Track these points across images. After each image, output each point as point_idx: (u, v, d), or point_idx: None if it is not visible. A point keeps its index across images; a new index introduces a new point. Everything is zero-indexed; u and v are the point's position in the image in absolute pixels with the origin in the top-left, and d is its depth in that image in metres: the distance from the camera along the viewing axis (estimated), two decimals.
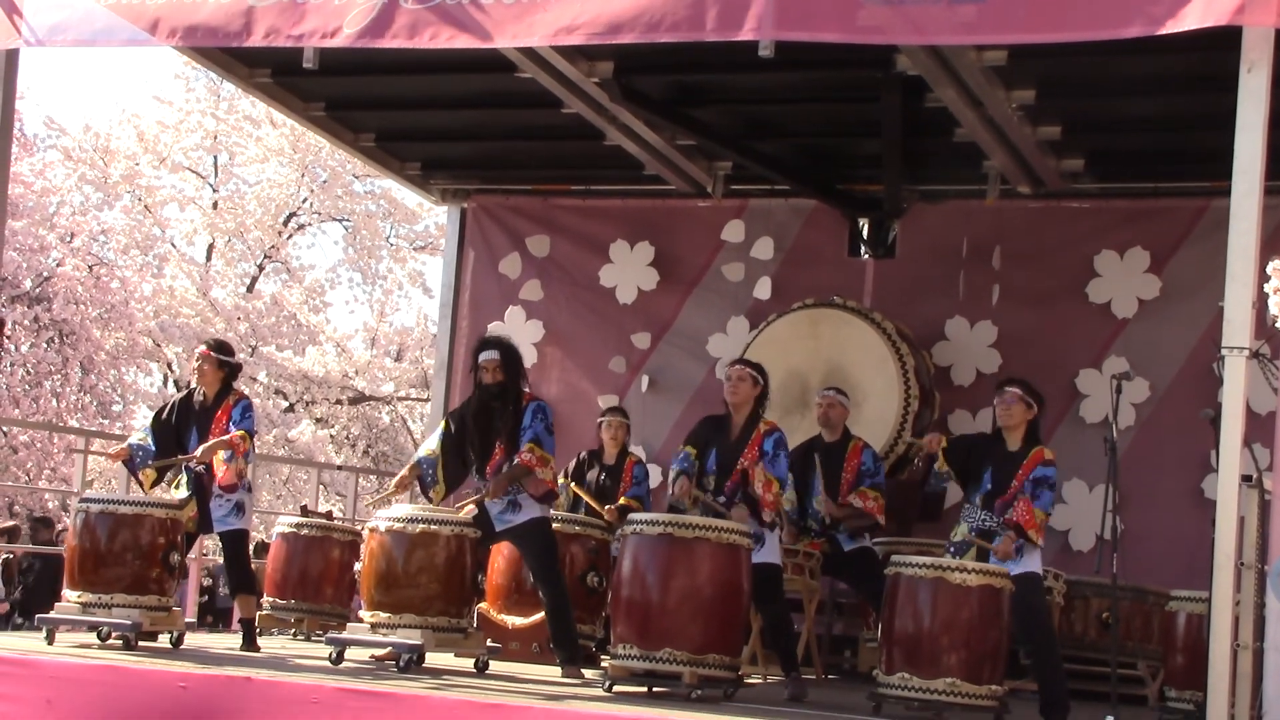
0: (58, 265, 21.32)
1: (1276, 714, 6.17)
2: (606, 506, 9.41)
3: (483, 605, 8.79)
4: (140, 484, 8.19)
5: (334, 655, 7.48)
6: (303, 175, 24.70)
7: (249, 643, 8.21)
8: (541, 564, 8.10)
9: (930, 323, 11.03)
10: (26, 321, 20.44)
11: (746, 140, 11.03)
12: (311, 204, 25.35)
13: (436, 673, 7.38)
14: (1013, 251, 10.94)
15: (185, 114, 24.64)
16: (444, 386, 12.35)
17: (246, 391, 9.54)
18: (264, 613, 9.28)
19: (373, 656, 7.70)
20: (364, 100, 11.00)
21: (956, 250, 11.05)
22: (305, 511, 10.02)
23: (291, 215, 25.39)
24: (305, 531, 9.54)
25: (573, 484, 9.69)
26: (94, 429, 18.83)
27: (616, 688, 7.04)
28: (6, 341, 20.08)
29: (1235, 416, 6.36)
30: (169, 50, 10.32)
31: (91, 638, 7.73)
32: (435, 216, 24.49)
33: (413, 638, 7.35)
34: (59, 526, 15.35)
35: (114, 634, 7.57)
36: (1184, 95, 9.35)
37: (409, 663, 7.33)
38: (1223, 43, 6.53)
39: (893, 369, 10.27)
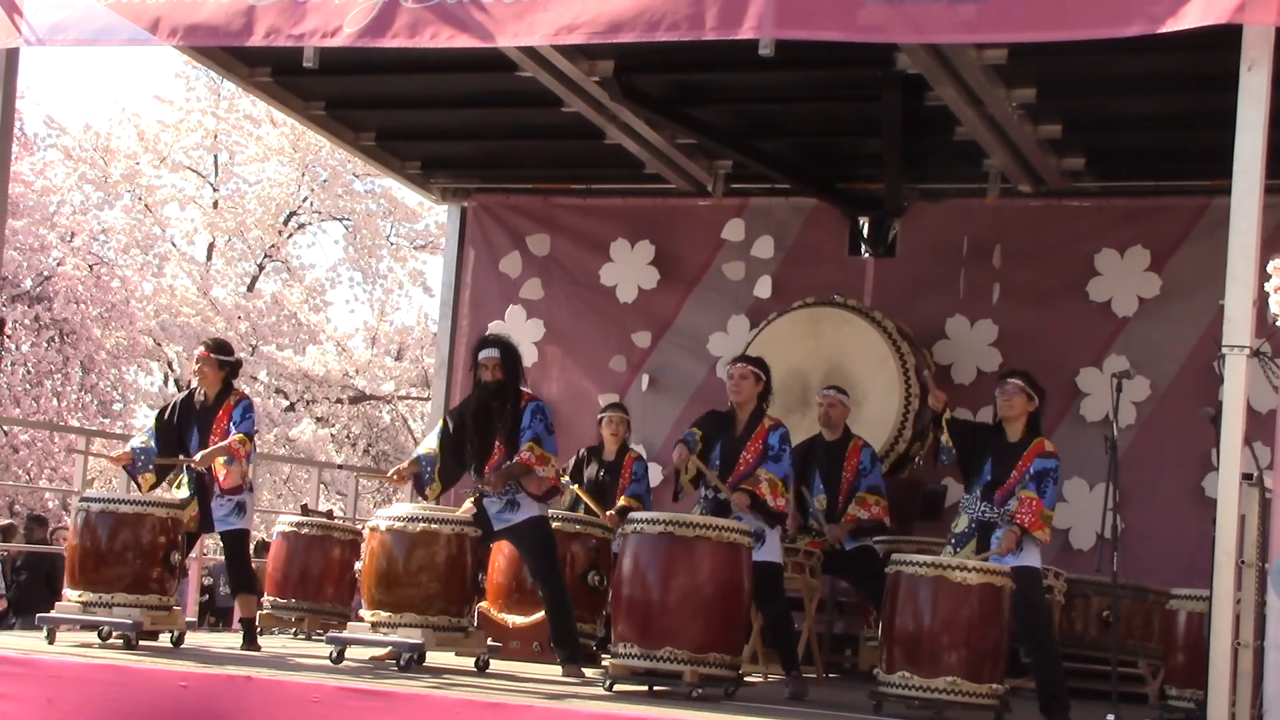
0: (58, 264, 21.33)
1: (1277, 712, 6.17)
2: (607, 512, 9.33)
3: (483, 604, 8.77)
4: (139, 486, 8.19)
5: (334, 654, 7.47)
6: (303, 174, 24.71)
7: (250, 642, 8.20)
8: (540, 563, 8.10)
9: (931, 321, 11.03)
10: (27, 321, 20.45)
11: (747, 139, 11.02)
12: (312, 203, 25.36)
13: (437, 672, 7.38)
14: (1013, 250, 10.95)
15: (185, 113, 24.65)
16: (444, 385, 12.33)
17: (247, 391, 9.53)
18: (264, 612, 9.27)
19: (373, 657, 7.69)
20: (364, 99, 11.00)
21: (957, 249, 11.05)
22: (306, 511, 10.02)
23: (292, 214, 25.40)
24: (306, 531, 9.53)
25: (574, 485, 9.65)
26: (95, 428, 18.88)
27: (617, 687, 7.04)
28: (7, 341, 20.09)
29: (1236, 415, 6.36)
30: (169, 49, 10.31)
31: (92, 637, 7.72)
32: (435, 215, 24.50)
33: (413, 637, 7.35)
34: (53, 525, 15.35)
35: (115, 633, 7.56)
36: (1184, 94, 9.36)
37: (410, 662, 7.33)
38: (1223, 41, 6.53)
39: (893, 368, 10.27)
